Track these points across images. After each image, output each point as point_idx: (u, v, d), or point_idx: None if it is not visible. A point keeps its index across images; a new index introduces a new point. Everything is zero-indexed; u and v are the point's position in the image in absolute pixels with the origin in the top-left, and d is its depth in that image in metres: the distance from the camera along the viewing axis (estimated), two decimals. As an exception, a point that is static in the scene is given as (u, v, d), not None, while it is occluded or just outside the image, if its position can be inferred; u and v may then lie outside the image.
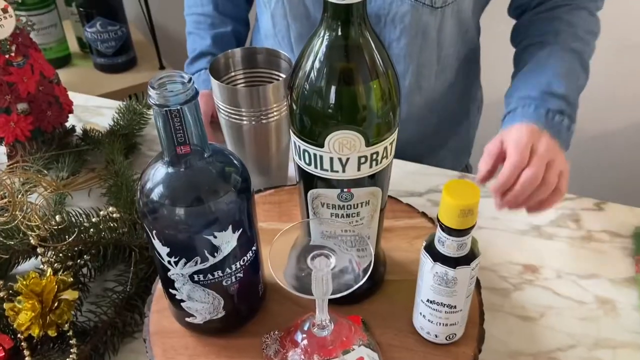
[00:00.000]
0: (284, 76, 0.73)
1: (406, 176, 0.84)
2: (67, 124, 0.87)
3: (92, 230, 0.67)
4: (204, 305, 0.53)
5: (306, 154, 0.48)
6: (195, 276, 0.51)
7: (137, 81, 1.40)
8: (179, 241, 0.49)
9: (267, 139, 0.73)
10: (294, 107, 0.47)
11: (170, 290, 0.53)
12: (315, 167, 0.49)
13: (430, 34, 0.82)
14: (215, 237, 0.48)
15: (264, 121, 0.70)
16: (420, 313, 0.55)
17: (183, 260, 0.49)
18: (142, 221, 0.50)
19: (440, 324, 0.54)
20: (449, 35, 0.84)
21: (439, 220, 0.48)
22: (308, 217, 0.54)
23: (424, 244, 0.52)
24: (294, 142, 0.49)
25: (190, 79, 0.44)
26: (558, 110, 0.72)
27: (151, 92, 0.43)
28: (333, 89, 0.45)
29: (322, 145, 0.47)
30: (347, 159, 0.47)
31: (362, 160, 0.48)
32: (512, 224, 0.76)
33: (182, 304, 0.54)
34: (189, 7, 0.97)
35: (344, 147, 0.46)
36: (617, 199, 0.81)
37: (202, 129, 0.46)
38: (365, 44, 0.44)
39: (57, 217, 0.68)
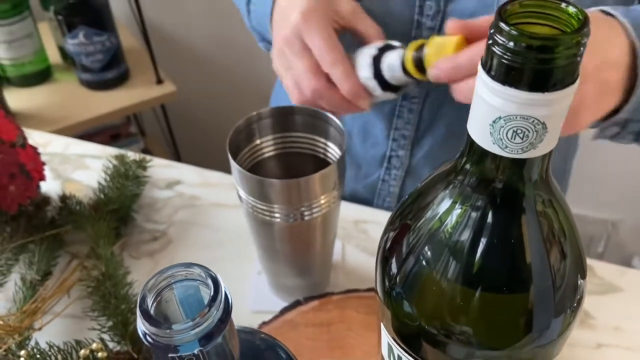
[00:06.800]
0: (333, 149, 0.53)
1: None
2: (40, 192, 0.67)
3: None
4: None
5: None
6: None
7: (131, 100, 1.18)
8: None
9: (308, 237, 0.52)
10: (402, 301, 0.27)
11: None
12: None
13: None
14: None
15: (306, 218, 0.50)
16: None
17: None
18: None
19: None
20: None
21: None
22: None
23: None
24: (389, 345, 0.29)
25: (215, 279, 0.23)
26: None
27: (142, 322, 0.22)
28: (496, 301, 0.24)
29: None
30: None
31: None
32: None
33: None
34: None
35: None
36: None
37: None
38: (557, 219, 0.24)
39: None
